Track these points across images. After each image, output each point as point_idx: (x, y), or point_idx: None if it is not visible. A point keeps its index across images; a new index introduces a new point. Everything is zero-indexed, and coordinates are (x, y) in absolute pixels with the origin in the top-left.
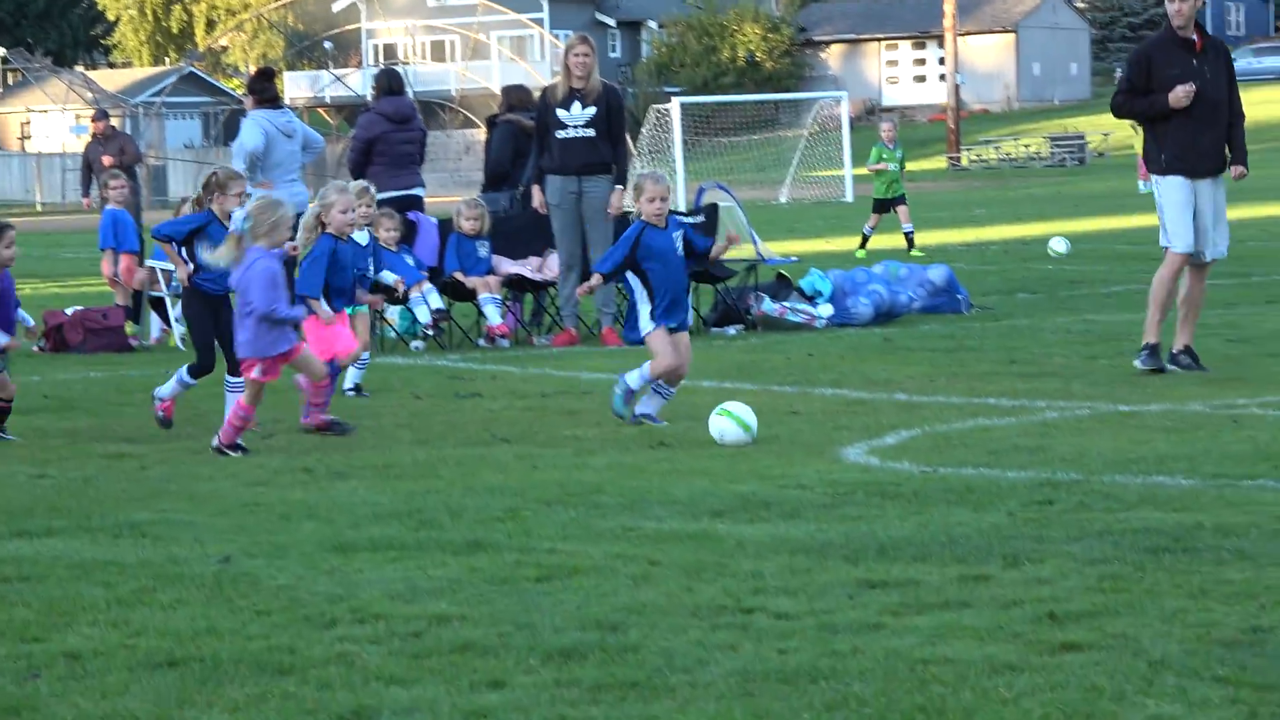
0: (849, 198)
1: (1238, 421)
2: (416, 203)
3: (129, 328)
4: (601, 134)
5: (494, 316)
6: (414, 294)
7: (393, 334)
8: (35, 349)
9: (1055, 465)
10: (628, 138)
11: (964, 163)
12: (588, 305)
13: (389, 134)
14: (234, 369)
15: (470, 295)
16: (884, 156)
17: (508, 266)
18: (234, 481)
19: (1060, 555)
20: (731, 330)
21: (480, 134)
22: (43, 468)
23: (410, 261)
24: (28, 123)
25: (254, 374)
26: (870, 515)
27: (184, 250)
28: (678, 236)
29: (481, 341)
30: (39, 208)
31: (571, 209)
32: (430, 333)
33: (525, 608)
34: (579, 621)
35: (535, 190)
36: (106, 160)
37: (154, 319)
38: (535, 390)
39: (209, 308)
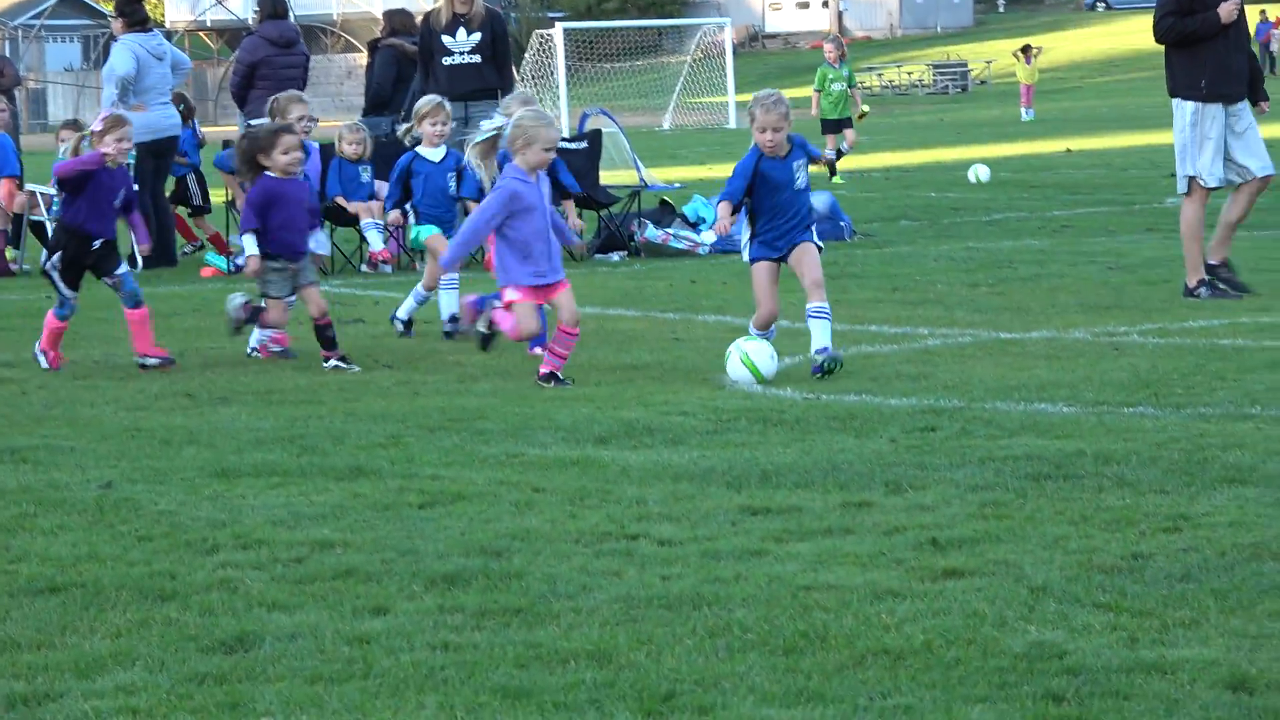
0: (731, 124)
1: (1118, 349)
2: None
3: (9, 252)
4: (487, 60)
5: (376, 242)
6: None
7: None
8: None
9: (938, 392)
10: (512, 63)
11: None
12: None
13: (272, 58)
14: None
15: (353, 221)
16: (829, 77)
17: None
18: (115, 407)
19: (942, 482)
20: (615, 257)
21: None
22: None
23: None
24: None
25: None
26: (753, 442)
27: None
28: (798, 166)
29: (364, 267)
30: None
31: (458, 135)
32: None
33: (408, 534)
34: (462, 548)
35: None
36: None
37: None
38: (418, 316)
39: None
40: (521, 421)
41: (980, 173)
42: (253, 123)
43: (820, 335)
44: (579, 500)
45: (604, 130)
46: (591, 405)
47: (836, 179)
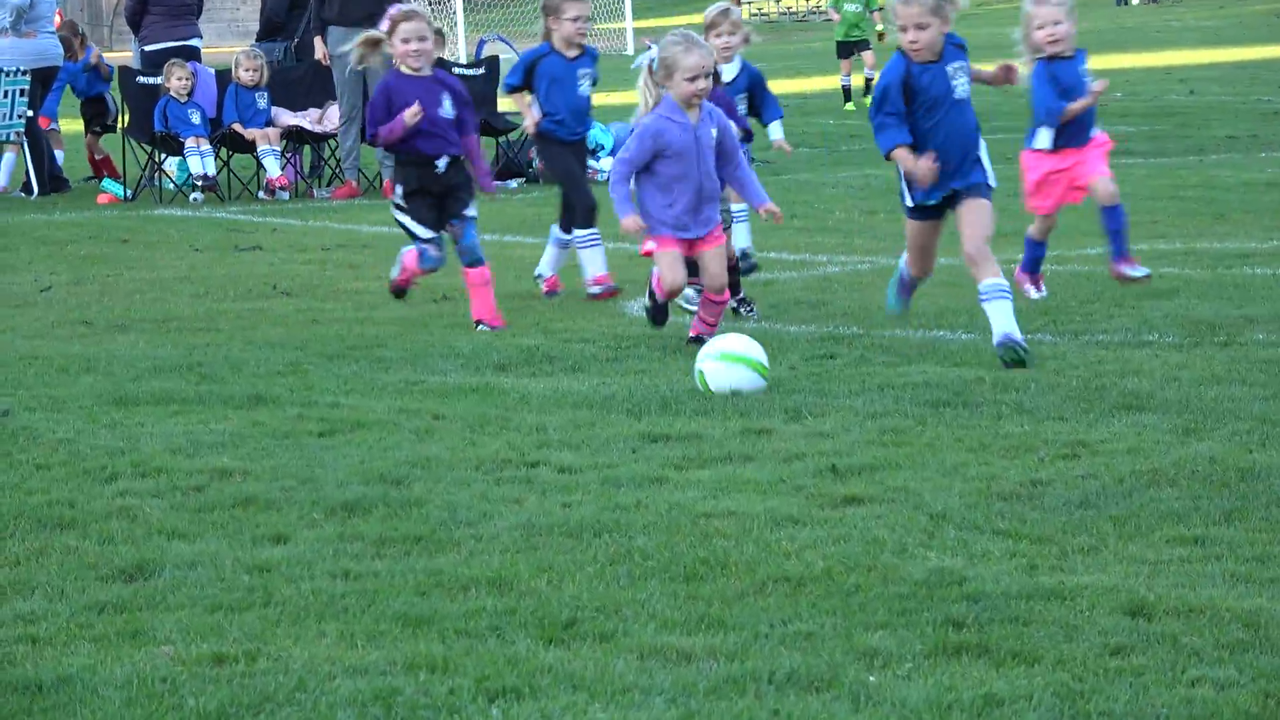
0: (629, 50)
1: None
2: (194, 53)
3: None
4: None
5: (273, 169)
6: (190, 146)
7: (171, 186)
8: None
9: (836, 320)
10: None
11: (745, 16)
12: (369, 158)
13: None
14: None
15: (249, 147)
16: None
17: (287, 118)
18: (11, 335)
19: (842, 409)
20: (513, 184)
21: None
22: None
23: (196, 119)
24: None
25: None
26: (653, 369)
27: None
28: (956, 69)
29: (261, 194)
30: None
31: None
32: (204, 185)
33: (308, 462)
34: (362, 476)
35: (317, 41)
36: None
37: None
38: (316, 244)
39: (570, 150)
40: (421, 349)
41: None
42: (146, 48)
43: (1001, 319)
44: (479, 428)
45: (501, 56)
46: (491, 333)
47: (849, 105)
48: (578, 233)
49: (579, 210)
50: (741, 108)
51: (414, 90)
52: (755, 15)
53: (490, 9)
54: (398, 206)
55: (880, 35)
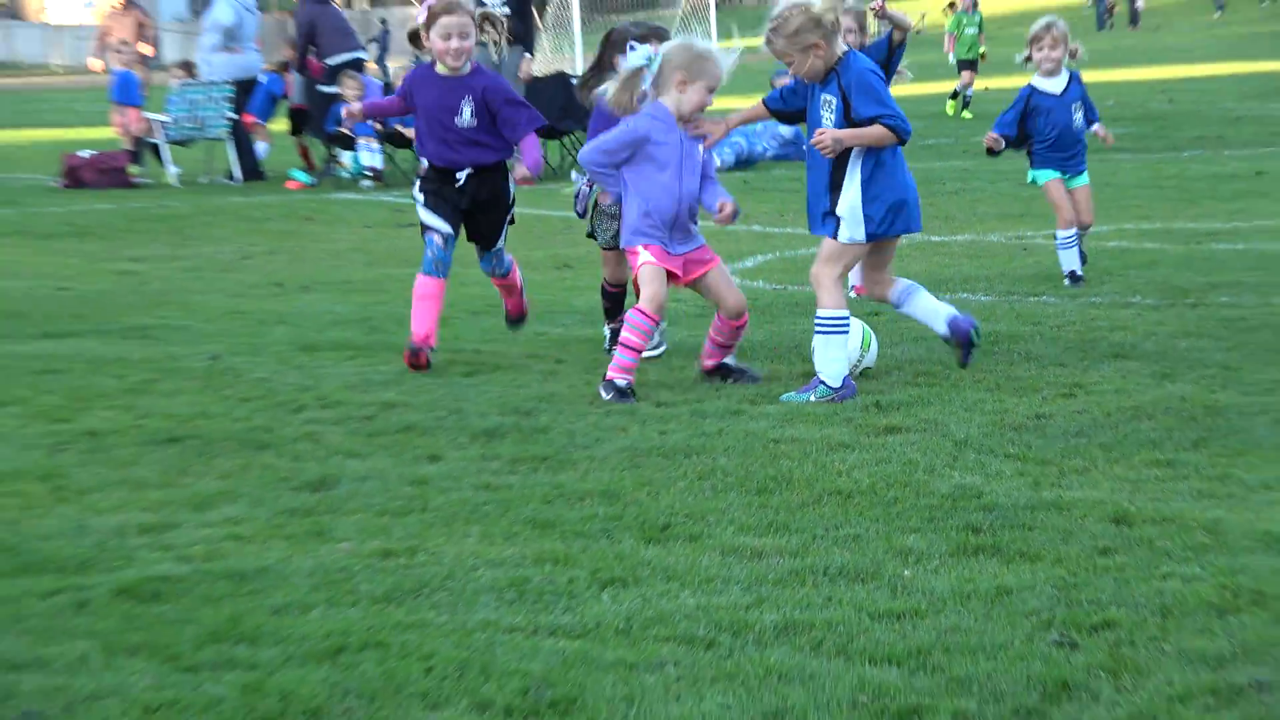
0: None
1: (1026, 249)
2: (361, 64)
3: (133, 169)
4: (515, 13)
5: (374, 158)
6: (361, 143)
7: (346, 175)
8: (56, 184)
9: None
10: (534, 14)
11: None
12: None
13: (325, 12)
14: None
15: (408, 144)
16: (963, 21)
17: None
18: (220, 295)
19: (883, 356)
20: None
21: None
22: (64, 282)
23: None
24: (44, 4)
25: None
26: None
27: None
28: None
29: (365, 178)
30: (58, 70)
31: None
32: (374, 175)
33: (456, 397)
34: (499, 408)
35: None
36: (119, 33)
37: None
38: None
39: None
40: (545, 306)
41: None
42: (328, 61)
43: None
44: (592, 370)
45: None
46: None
47: (966, 114)
48: None
49: None
50: (1078, 116)
51: (433, 89)
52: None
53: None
54: (417, 197)
55: (982, 56)
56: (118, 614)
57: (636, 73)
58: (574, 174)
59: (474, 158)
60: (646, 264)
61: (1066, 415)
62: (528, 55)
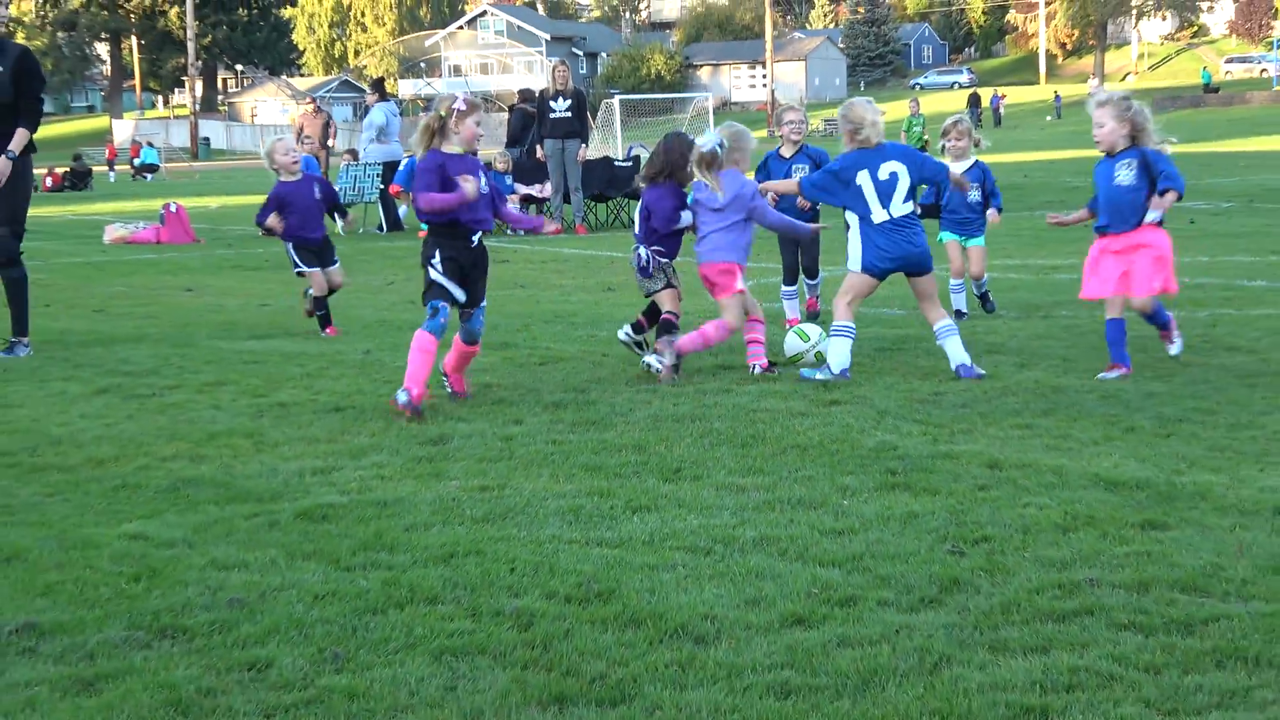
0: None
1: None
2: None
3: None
4: (575, 115)
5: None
6: None
7: None
8: (259, 233)
9: (827, 301)
10: (589, 117)
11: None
12: (568, 210)
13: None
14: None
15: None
16: (911, 124)
17: (522, 189)
18: (371, 309)
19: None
20: None
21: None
22: (265, 300)
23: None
24: (254, 107)
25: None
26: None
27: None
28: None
29: (509, 231)
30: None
31: (558, 158)
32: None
33: (533, 380)
34: (563, 387)
35: (539, 148)
36: (309, 129)
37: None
38: (539, 259)
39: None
40: (596, 315)
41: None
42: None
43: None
44: (629, 361)
45: (641, 155)
46: (635, 307)
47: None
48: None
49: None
50: (975, 193)
51: (464, 165)
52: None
53: (634, 130)
54: (434, 268)
55: (925, 144)
56: (297, 530)
57: (715, 153)
58: (641, 250)
59: (487, 220)
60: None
61: (956, 393)
62: (584, 145)
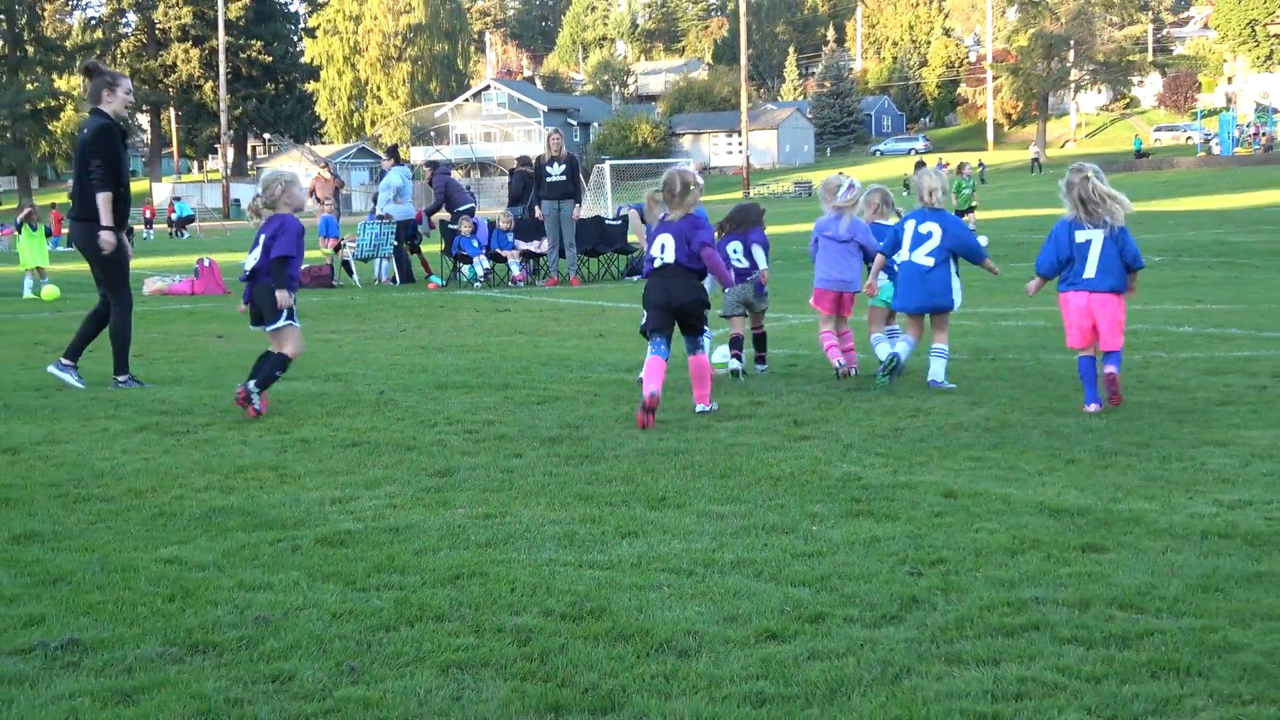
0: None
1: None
2: (473, 210)
3: (341, 277)
4: (569, 179)
5: (516, 270)
6: (475, 260)
7: (464, 279)
8: None
9: (795, 346)
10: (582, 180)
11: (752, 194)
12: (563, 264)
13: (452, 180)
14: None
15: (504, 260)
16: (960, 185)
17: (523, 245)
18: (385, 353)
19: (799, 391)
20: (636, 279)
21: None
22: None
23: (476, 245)
24: None
25: None
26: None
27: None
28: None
29: (510, 284)
30: None
31: (554, 217)
32: (482, 279)
33: (531, 417)
34: (559, 424)
35: (537, 209)
36: (323, 191)
37: (355, 269)
38: (538, 308)
39: None
40: (589, 359)
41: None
42: (458, 210)
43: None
44: (619, 400)
45: (631, 215)
46: (626, 353)
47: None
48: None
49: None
50: None
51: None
52: (758, 194)
53: (624, 191)
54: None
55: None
56: (317, 554)
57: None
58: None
59: None
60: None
61: (914, 428)
62: (577, 205)
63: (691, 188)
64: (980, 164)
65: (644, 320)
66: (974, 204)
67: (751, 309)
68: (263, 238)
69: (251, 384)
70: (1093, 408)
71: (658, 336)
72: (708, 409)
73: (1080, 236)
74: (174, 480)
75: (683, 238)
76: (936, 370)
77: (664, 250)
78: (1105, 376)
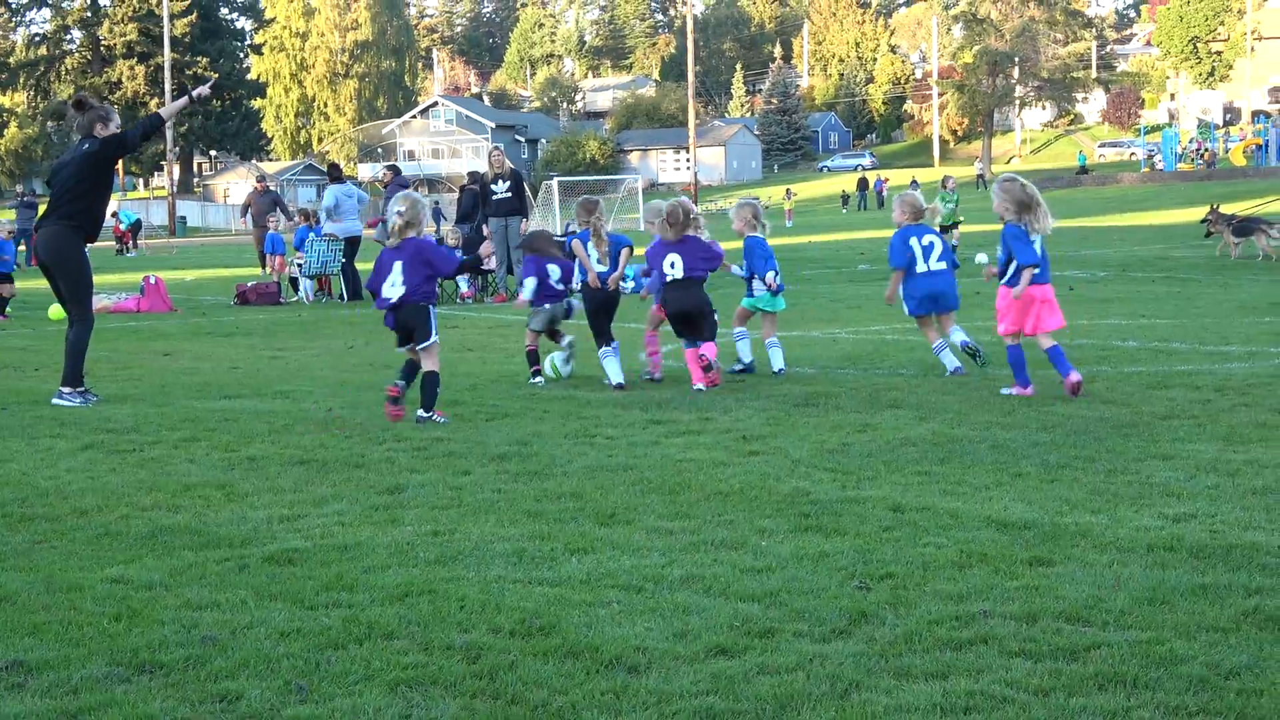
0: (641, 228)
1: (836, 341)
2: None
3: (288, 294)
4: (515, 195)
5: (464, 287)
6: None
7: None
8: (231, 303)
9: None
10: (529, 195)
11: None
12: (511, 280)
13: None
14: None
15: (452, 277)
16: (942, 197)
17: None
18: (334, 371)
19: (748, 407)
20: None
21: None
22: (235, 363)
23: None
24: (227, 189)
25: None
26: (654, 388)
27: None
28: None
29: (459, 300)
30: (236, 233)
31: (501, 234)
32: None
33: (480, 433)
34: (508, 440)
35: (485, 227)
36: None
37: (303, 287)
38: (485, 325)
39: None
40: (529, 375)
41: (980, 257)
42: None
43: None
44: (567, 416)
45: (575, 245)
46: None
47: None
48: None
49: None
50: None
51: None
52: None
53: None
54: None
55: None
56: (265, 573)
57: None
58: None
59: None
60: None
61: (862, 443)
62: (525, 220)
63: (692, 215)
64: (880, 180)
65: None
66: (959, 219)
67: (556, 325)
68: (398, 264)
69: (421, 412)
70: (1030, 389)
71: (683, 338)
72: (702, 388)
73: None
74: (120, 499)
75: (691, 254)
76: (958, 336)
77: (674, 266)
78: (1053, 351)
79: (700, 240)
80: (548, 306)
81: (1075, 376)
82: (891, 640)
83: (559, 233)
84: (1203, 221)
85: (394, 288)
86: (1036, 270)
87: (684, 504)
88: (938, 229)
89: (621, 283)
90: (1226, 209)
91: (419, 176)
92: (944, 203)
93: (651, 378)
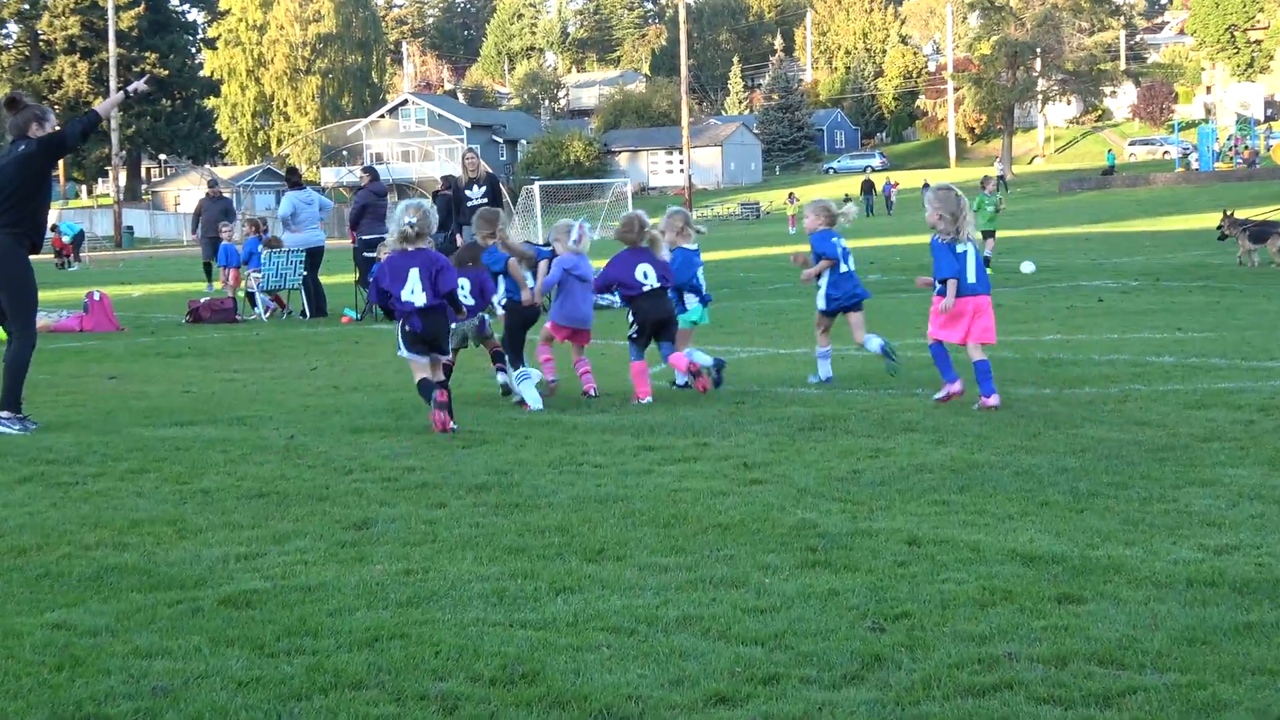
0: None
1: (844, 359)
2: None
3: (245, 310)
4: (491, 200)
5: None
6: None
7: (380, 313)
8: (183, 320)
9: (745, 381)
10: (507, 200)
11: (695, 217)
12: None
13: (374, 202)
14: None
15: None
16: (982, 202)
17: None
18: (295, 394)
19: (749, 431)
20: None
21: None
22: (188, 386)
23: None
24: (178, 196)
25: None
26: (645, 410)
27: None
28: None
29: None
30: (187, 243)
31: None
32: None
33: (456, 462)
34: (486, 469)
35: (459, 236)
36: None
37: (259, 302)
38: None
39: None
40: (511, 400)
41: (1026, 267)
42: (364, 236)
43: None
44: (549, 444)
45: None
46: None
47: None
48: None
49: None
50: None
51: None
52: (700, 217)
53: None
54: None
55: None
56: (220, 617)
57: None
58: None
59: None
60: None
61: (874, 470)
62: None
63: (647, 226)
64: (889, 184)
65: (633, 330)
66: (996, 225)
67: (472, 342)
68: (414, 270)
69: (453, 425)
70: (958, 385)
71: (655, 343)
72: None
73: (958, 249)
74: (61, 536)
75: (660, 264)
76: (874, 343)
77: (648, 276)
78: (981, 365)
79: (657, 257)
80: (454, 325)
81: (994, 400)
82: (908, 686)
83: (540, 242)
84: (1217, 228)
85: (416, 294)
86: (957, 281)
87: (679, 538)
88: (977, 236)
89: (609, 295)
90: (1241, 214)
91: (388, 181)
92: (983, 206)
93: (550, 383)
